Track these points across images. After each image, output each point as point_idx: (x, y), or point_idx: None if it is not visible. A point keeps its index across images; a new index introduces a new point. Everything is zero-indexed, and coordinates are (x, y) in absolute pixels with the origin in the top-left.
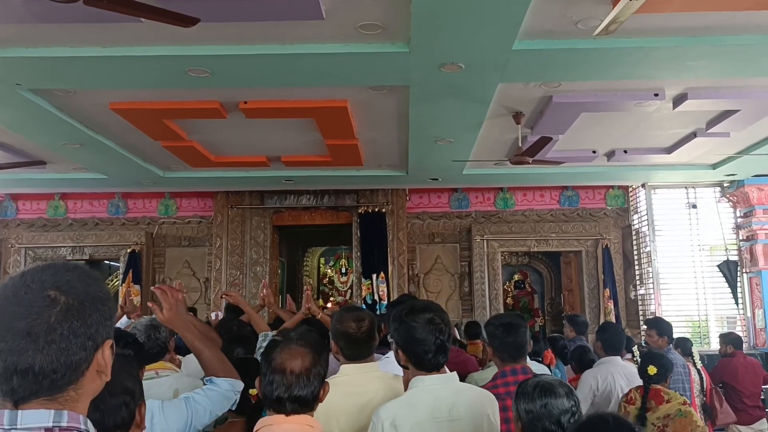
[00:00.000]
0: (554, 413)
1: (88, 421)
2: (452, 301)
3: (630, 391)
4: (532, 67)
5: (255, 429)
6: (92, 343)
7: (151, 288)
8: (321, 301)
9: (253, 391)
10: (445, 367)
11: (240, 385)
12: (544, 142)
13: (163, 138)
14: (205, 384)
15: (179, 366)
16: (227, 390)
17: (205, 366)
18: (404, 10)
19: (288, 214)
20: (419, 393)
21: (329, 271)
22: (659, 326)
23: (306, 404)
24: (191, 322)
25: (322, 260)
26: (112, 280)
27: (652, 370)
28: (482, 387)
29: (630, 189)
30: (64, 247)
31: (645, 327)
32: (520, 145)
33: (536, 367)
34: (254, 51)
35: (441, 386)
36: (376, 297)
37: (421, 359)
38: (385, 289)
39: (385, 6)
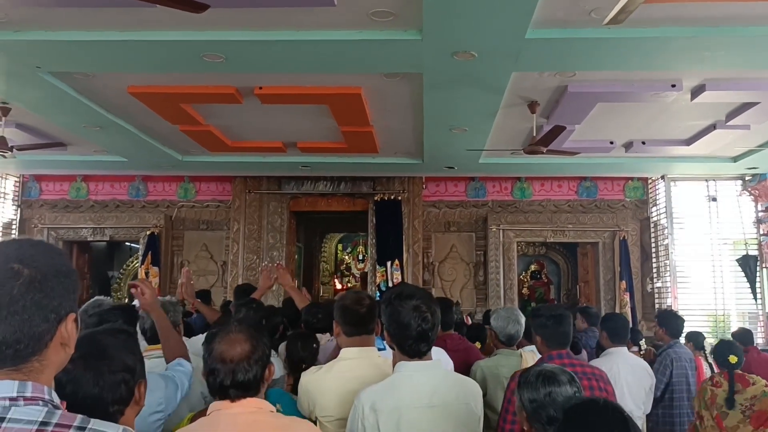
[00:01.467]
0: (558, 401)
1: (53, 391)
2: (467, 290)
3: (713, 376)
4: (545, 56)
5: (207, 413)
6: (55, 315)
7: (129, 282)
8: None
9: None
10: (431, 354)
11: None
12: (557, 131)
13: (181, 122)
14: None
15: None
16: (190, 370)
17: (169, 349)
18: None
19: (305, 200)
20: (401, 378)
21: (346, 257)
22: (660, 318)
23: (250, 388)
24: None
25: (340, 246)
26: (131, 262)
27: (733, 359)
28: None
29: (649, 181)
30: (85, 228)
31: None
32: (534, 134)
33: None
34: (267, 37)
35: (423, 373)
36: (390, 284)
37: (402, 343)
38: (400, 277)
39: None
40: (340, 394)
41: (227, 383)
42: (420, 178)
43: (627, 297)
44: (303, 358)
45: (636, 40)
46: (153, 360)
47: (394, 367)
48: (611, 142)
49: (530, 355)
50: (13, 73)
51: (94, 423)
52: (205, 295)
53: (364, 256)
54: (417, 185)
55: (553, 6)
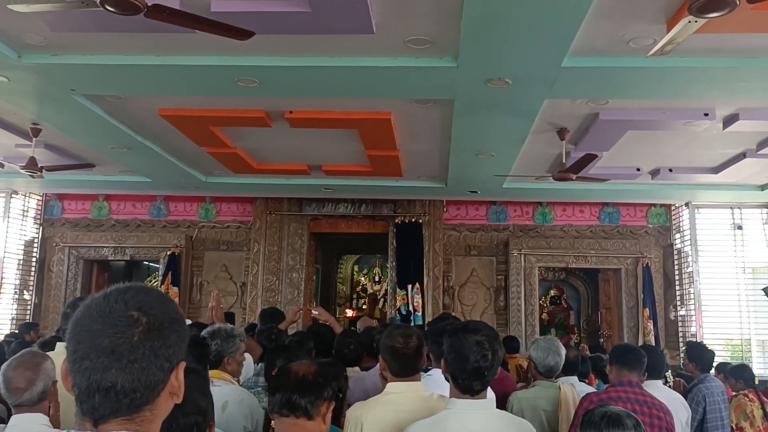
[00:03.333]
0: None
1: None
2: (487, 314)
3: (744, 392)
4: (580, 84)
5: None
6: (169, 364)
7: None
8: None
9: None
10: (486, 393)
11: None
12: (588, 159)
13: (208, 144)
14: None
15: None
16: None
17: None
18: (454, 25)
19: (325, 222)
20: (449, 415)
21: (363, 278)
22: (690, 352)
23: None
24: None
25: (356, 268)
26: (151, 281)
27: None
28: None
29: (673, 207)
30: (107, 247)
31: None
32: (563, 161)
33: (582, 387)
34: (303, 63)
35: (473, 412)
36: (410, 308)
37: (456, 377)
38: (420, 301)
39: (435, 20)
40: (390, 426)
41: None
42: (441, 201)
43: (650, 325)
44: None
45: (673, 70)
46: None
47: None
48: (638, 169)
49: (569, 388)
50: (47, 95)
51: None
52: (230, 318)
53: (380, 277)
54: (438, 208)
55: (593, 35)
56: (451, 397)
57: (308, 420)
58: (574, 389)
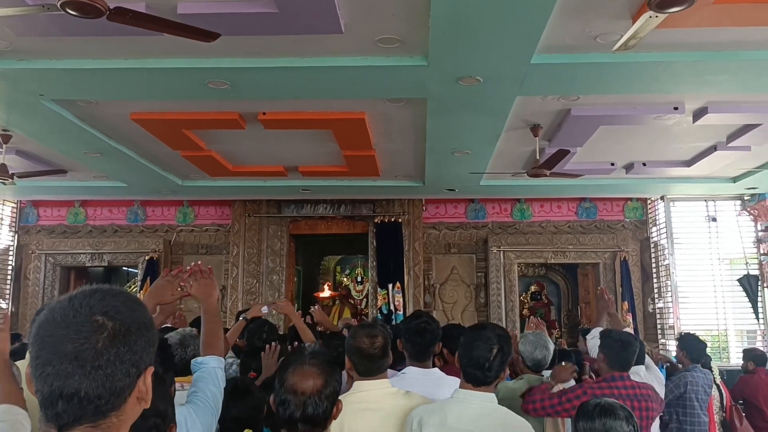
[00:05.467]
0: None
1: None
2: (468, 312)
3: None
4: (550, 80)
5: None
6: (135, 369)
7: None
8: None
9: None
10: (491, 387)
11: (222, 360)
12: (561, 154)
13: (183, 148)
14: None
15: None
16: (214, 366)
17: (205, 339)
18: (423, 24)
19: (305, 223)
20: (451, 401)
21: (345, 279)
22: (682, 341)
23: (318, 423)
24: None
25: (338, 268)
26: (129, 286)
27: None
28: (593, 385)
29: (649, 201)
30: (84, 253)
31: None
32: (537, 157)
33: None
34: (273, 64)
35: (474, 402)
36: (391, 307)
37: (464, 368)
38: (401, 299)
39: (404, 20)
40: (361, 424)
41: (297, 416)
42: (420, 200)
43: (630, 317)
44: None
45: (640, 65)
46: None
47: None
48: (612, 164)
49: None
50: (15, 101)
51: None
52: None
53: (362, 277)
54: (417, 207)
55: (560, 32)
56: (459, 387)
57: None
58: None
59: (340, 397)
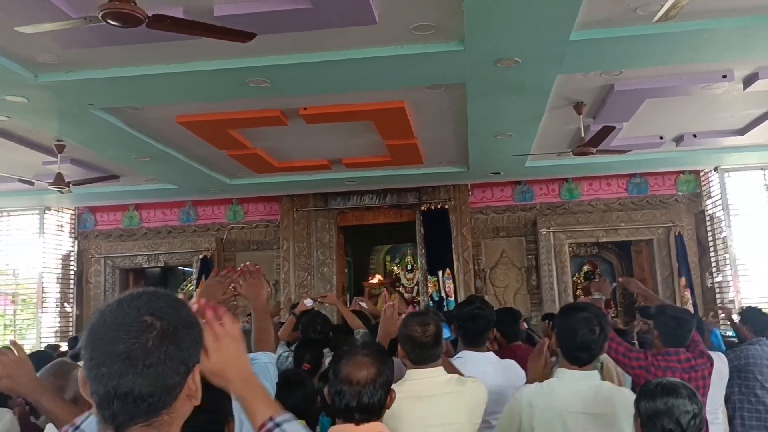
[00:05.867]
0: (675, 412)
1: None
2: (520, 295)
3: None
4: (591, 56)
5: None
6: (185, 367)
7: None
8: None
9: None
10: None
11: (273, 356)
12: (607, 131)
13: (228, 147)
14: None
15: None
16: (266, 362)
17: (256, 336)
18: (457, 9)
19: (352, 215)
20: (556, 383)
21: (395, 268)
22: (744, 315)
23: (373, 412)
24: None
25: (388, 258)
26: (186, 285)
27: None
28: (651, 353)
29: (702, 173)
30: (140, 255)
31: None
32: (582, 135)
33: None
34: (311, 59)
35: (580, 381)
36: (442, 294)
37: (565, 350)
38: (452, 286)
39: (437, 6)
40: (411, 410)
41: (352, 405)
42: (465, 186)
43: (688, 293)
44: None
45: (684, 34)
46: None
47: (554, 371)
48: (661, 137)
49: (611, 361)
50: (65, 111)
51: None
52: None
53: (412, 265)
54: (463, 192)
55: (598, 6)
56: (560, 368)
57: (378, 420)
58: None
59: (393, 386)
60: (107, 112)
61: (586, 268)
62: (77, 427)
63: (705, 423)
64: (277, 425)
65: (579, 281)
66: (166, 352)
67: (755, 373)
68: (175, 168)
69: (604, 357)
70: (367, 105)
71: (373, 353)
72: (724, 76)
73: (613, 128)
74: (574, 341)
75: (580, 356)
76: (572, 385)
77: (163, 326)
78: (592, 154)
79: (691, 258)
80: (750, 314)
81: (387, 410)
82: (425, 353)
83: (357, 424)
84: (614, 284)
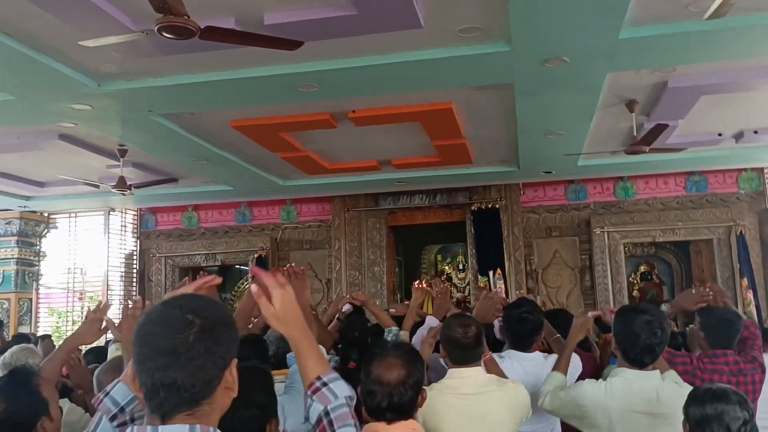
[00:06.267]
0: (725, 419)
1: (218, 431)
2: (573, 295)
3: None
4: (642, 54)
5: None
6: (223, 361)
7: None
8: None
9: None
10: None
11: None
12: (659, 129)
13: (281, 150)
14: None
15: None
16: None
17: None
18: (502, 10)
19: (402, 215)
20: (617, 381)
21: (446, 267)
22: None
23: (404, 412)
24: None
25: (439, 257)
26: (242, 283)
27: None
28: (697, 357)
29: (766, 170)
30: (199, 254)
31: None
32: (635, 133)
33: None
34: (358, 63)
35: (642, 381)
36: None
37: (628, 352)
38: (503, 286)
39: (482, 8)
40: (450, 409)
41: (384, 405)
42: (517, 185)
43: (750, 295)
44: None
45: (739, 30)
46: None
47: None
48: (720, 134)
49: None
50: (127, 117)
51: None
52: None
53: (463, 265)
54: (514, 192)
55: (647, 3)
56: (619, 367)
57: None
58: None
59: (434, 384)
60: (166, 117)
61: (642, 268)
62: (107, 393)
63: (755, 430)
64: (325, 384)
65: (636, 282)
66: (206, 347)
67: None
68: (231, 170)
69: None
70: (415, 106)
71: (404, 354)
72: None
73: (665, 127)
74: (638, 345)
75: (643, 359)
76: (631, 384)
77: (204, 324)
78: (645, 152)
79: (754, 258)
80: None
81: (428, 407)
82: (466, 354)
83: (389, 423)
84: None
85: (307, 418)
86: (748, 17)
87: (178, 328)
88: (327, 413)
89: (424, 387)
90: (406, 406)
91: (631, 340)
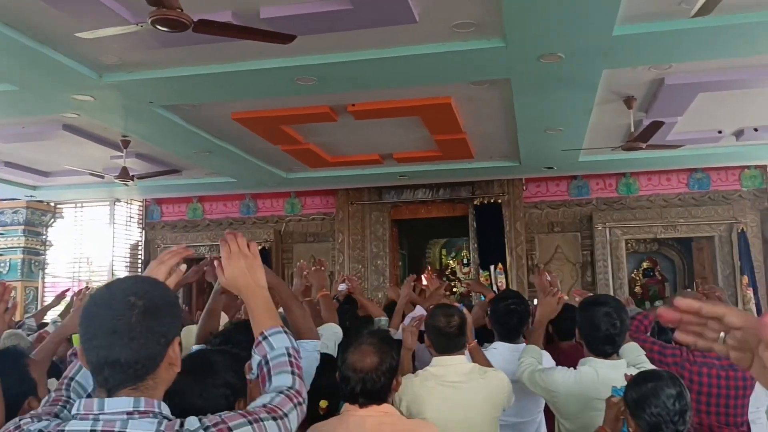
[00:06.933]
0: (660, 395)
1: (163, 404)
2: None
3: None
4: (637, 51)
5: (340, 412)
6: (165, 339)
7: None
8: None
9: (323, 403)
10: (617, 355)
11: (318, 343)
12: (656, 126)
13: (282, 142)
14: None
15: None
16: (311, 351)
17: (293, 323)
18: (496, 6)
19: (405, 208)
20: (586, 370)
21: (451, 262)
22: None
23: (378, 397)
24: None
25: (444, 251)
26: None
27: None
28: (689, 350)
29: None
30: (203, 246)
31: None
32: (632, 130)
33: None
34: (354, 57)
35: (607, 370)
36: (494, 288)
37: (590, 342)
38: (504, 280)
39: (477, 3)
40: (432, 396)
41: (357, 391)
42: (520, 180)
43: (750, 292)
44: None
45: (734, 27)
46: None
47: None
48: (719, 132)
49: None
50: (129, 108)
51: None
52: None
53: (468, 259)
54: (517, 187)
55: (641, 0)
56: (588, 358)
57: (383, 403)
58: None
59: (420, 371)
60: (167, 109)
61: (645, 264)
62: (72, 379)
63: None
64: (265, 338)
65: (638, 278)
66: (148, 326)
67: None
68: (233, 162)
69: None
70: (414, 101)
71: (378, 342)
72: None
73: (661, 124)
74: (599, 336)
75: (605, 349)
76: (604, 374)
77: (146, 305)
78: (642, 149)
79: (756, 256)
80: None
81: (412, 393)
82: (449, 342)
83: (361, 407)
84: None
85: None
86: (740, 15)
87: (120, 310)
88: (266, 362)
89: (410, 374)
90: (379, 392)
91: (592, 332)
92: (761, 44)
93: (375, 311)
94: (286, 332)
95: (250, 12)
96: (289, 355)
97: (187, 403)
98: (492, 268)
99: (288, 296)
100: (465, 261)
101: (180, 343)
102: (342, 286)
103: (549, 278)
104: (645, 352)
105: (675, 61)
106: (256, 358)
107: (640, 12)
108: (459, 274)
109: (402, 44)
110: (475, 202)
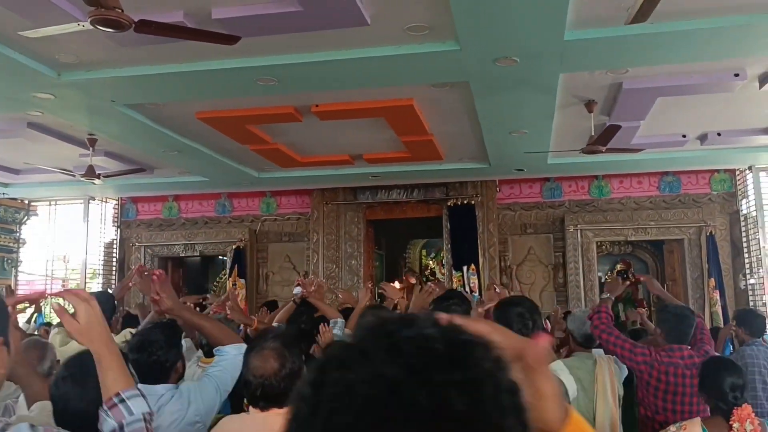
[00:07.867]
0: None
1: None
2: (546, 292)
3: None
4: (590, 55)
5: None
6: None
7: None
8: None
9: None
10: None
11: (243, 347)
12: (613, 130)
13: (250, 142)
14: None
15: None
16: (235, 355)
17: (209, 338)
18: (447, 9)
19: (380, 209)
20: None
21: (431, 262)
22: (738, 318)
23: (276, 401)
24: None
25: (424, 252)
26: (223, 275)
27: None
28: (656, 350)
29: (738, 172)
30: (178, 245)
31: None
32: (592, 133)
33: None
34: (312, 59)
35: None
36: (467, 289)
37: None
38: (477, 281)
39: (427, 7)
40: None
41: (258, 394)
42: (493, 182)
43: (716, 295)
44: None
45: (684, 33)
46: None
47: None
48: (684, 136)
49: (604, 359)
50: (92, 107)
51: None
52: (272, 305)
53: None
54: (490, 188)
55: (589, 5)
56: None
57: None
58: (611, 360)
59: None
60: (130, 108)
61: (619, 266)
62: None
63: None
64: (122, 401)
65: (611, 280)
66: None
67: (754, 373)
68: (203, 161)
69: (599, 353)
70: (377, 102)
71: (280, 346)
72: (737, 75)
73: (618, 127)
74: None
75: None
76: None
77: None
78: (602, 152)
79: (724, 259)
80: (743, 317)
81: None
82: None
83: (262, 410)
84: (627, 282)
85: None
86: (695, 21)
87: None
88: (122, 428)
89: None
90: (279, 396)
91: None
92: (715, 50)
93: (330, 313)
94: (143, 395)
95: (201, 12)
96: (145, 420)
97: (71, 408)
98: (465, 268)
99: (195, 316)
100: (444, 262)
101: (4, 343)
102: (297, 290)
103: (498, 290)
104: (617, 351)
105: (628, 66)
106: (109, 423)
107: (589, 17)
108: (438, 275)
109: (357, 46)
110: (449, 203)
